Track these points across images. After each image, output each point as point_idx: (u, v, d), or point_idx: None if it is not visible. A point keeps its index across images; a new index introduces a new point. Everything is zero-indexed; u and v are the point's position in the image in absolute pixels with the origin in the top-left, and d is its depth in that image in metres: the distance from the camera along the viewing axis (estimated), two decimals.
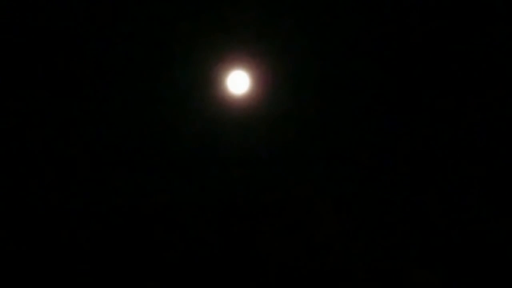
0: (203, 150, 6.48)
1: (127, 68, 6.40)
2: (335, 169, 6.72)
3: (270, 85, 6.50)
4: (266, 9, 6.47)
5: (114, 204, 6.32)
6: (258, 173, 6.60)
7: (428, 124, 6.73)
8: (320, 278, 6.51)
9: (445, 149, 6.70)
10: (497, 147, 6.73)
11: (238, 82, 6.48)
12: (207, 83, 6.46)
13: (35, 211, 6.16)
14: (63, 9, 6.11)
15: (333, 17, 6.52)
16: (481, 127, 6.75)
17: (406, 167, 6.70)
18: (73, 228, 6.19)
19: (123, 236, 6.27)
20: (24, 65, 6.17)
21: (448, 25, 6.68)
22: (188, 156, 6.46)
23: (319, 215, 6.66)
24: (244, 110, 6.50)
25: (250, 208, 6.59)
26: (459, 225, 6.63)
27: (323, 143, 6.68)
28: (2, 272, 6.02)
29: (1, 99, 6.21)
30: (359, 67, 6.61)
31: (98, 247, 6.20)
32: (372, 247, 6.60)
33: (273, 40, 6.48)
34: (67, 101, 6.27)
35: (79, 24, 6.28)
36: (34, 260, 6.11)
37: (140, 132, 6.40)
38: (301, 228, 6.72)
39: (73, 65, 6.33)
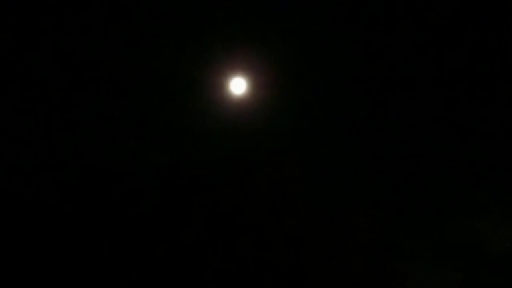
0: (204, 148, 6.82)
1: (137, 74, 6.85)
2: (333, 167, 6.88)
3: (267, 88, 6.79)
4: (264, 17, 6.80)
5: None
6: (257, 170, 6.84)
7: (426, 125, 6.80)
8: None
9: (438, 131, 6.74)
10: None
11: (238, 85, 6.82)
12: (210, 86, 6.82)
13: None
14: (68, 16, 6.62)
15: (327, 24, 6.75)
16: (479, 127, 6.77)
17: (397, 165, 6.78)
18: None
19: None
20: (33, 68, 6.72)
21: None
22: (189, 153, 6.80)
23: (316, 209, 6.81)
24: (243, 111, 6.81)
25: (249, 205, 6.82)
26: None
27: (320, 141, 6.88)
28: None
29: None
30: (354, 68, 6.78)
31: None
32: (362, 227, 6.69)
33: (270, 47, 6.79)
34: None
35: (93, 34, 6.79)
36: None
37: (145, 131, 6.81)
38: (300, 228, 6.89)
39: (89, 73, 6.85)
